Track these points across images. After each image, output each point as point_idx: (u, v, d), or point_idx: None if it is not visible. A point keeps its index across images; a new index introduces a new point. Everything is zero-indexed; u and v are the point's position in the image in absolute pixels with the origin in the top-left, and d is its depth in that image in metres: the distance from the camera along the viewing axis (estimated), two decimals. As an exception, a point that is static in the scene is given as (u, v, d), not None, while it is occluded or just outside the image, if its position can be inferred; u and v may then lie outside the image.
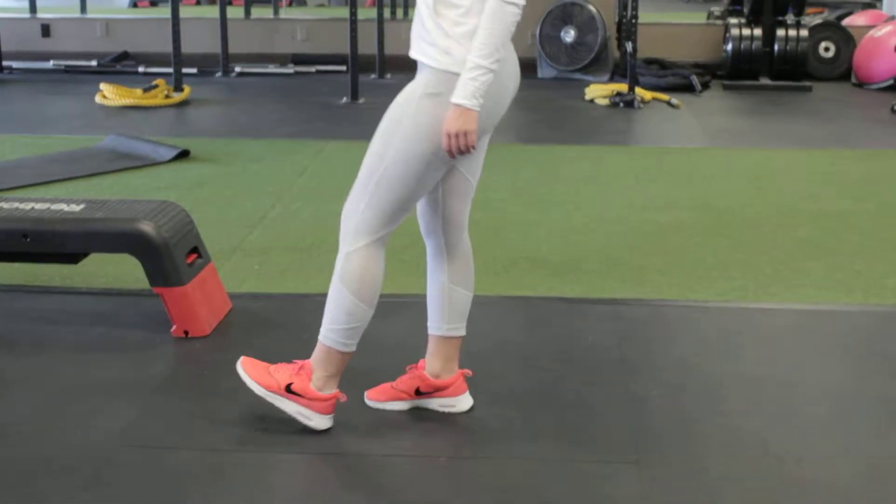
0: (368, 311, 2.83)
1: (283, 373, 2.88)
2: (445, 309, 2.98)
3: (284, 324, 3.80)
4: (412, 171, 2.73)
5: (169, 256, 3.55)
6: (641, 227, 5.03)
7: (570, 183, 5.92)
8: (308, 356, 2.92)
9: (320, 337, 2.87)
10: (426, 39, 2.70)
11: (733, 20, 9.46)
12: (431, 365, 3.02)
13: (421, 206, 2.94)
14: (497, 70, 2.64)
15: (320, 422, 2.87)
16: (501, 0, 2.59)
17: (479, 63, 2.60)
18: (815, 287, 4.26)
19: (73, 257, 3.80)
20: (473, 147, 2.66)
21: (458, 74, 2.63)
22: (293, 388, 2.85)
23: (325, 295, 4.11)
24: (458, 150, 2.65)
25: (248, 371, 2.91)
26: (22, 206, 3.74)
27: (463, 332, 3.03)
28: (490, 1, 2.60)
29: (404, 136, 2.71)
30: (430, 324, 3.02)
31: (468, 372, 3.07)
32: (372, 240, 2.78)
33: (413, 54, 2.76)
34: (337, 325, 2.83)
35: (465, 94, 2.61)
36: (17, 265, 4.15)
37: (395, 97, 2.78)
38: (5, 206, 3.75)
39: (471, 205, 2.98)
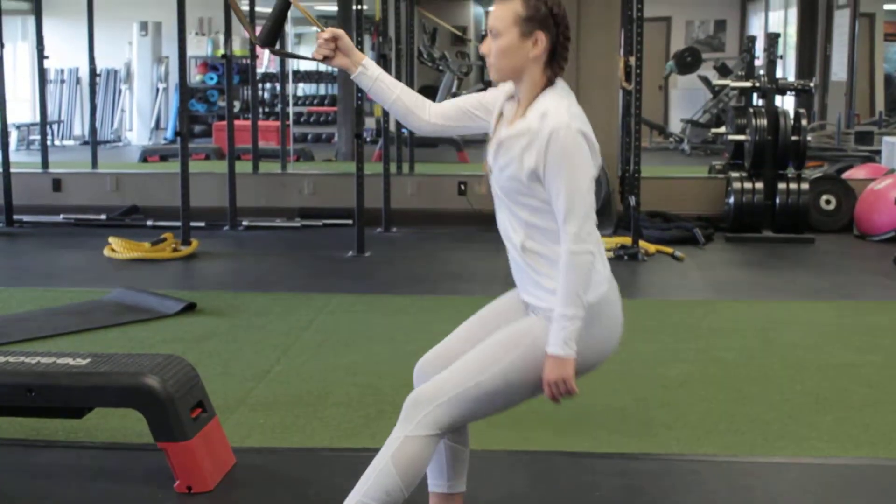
0: (405, 494, 2.81)
1: None
2: (446, 466, 2.97)
3: (289, 479, 3.77)
4: (507, 393, 2.81)
5: (173, 411, 3.54)
6: (647, 381, 5.02)
7: (576, 335, 5.91)
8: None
9: None
10: (531, 282, 2.83)
11: (734, 174, 9.58)
12: (436, 522, 2.99)
13: (423, 366, 2.96)
14: (599, 311, 2.77)
15: None
16: (571, 252, 2.69)
17: (564, 313, 2.70)
18: (824, 440, 4.23)
19: (78, 412, 3.79)
20: (574, 392, 2.76)
21: None
22: None
23: (329, 449, 4.08)
24: (560, 395, 2.76)
25: None
26: (27, 360, 3.74)
27: (463, 489, 3.01)
28: (562, 254, 2.71)
29: (514, 361, 2.78)
30: (430, 481, 2.99)
31: (474, 528, 3.03)
32: (436, 433, 2.79)
33: (524, 297, 2.88)
34: (371, 500, 2.79)
35: (556, 343, 2.71)
36: (20, 419, 4.13)
37: (514, 322, 2.86)
38: (11, 360, 3.75)
39: None
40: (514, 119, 2.83)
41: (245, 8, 11.31)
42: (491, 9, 2.84)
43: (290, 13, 3.08)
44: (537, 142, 2.70)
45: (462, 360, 2.82)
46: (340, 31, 2.94)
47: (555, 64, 2.79)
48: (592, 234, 2.73)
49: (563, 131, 2.68)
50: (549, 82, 2.79)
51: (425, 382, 2.93)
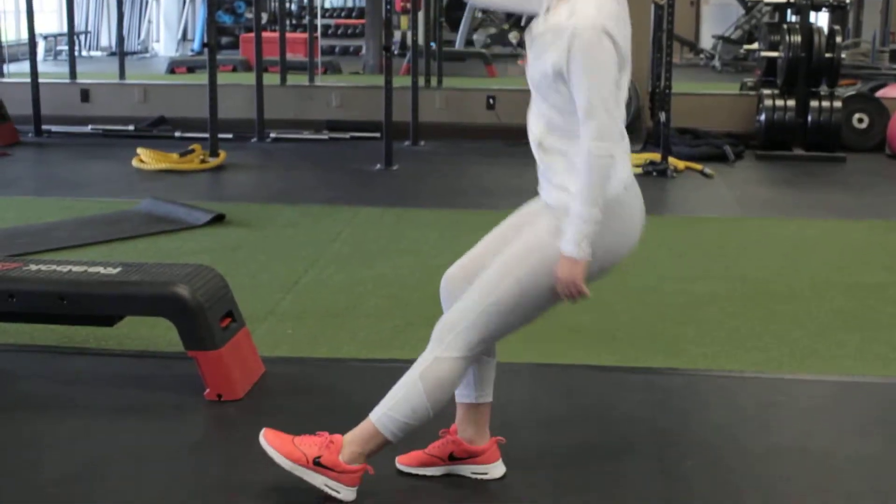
0: (431, 415, 2.83)
1: (309, 446, 2.85)
2: (473, 377, 2.98)
3: (317, 388, 3.80)
4: (527, 302, 2.80)
5: (204, 320, 3.56)
6: (675, 298, 5.01)
7: (603, 251, 5.90)
8: (339, 420, 2.92)
9: (373, 418, 2.85)
10: (546, 180, 2.84)
11: (766, 91, 9.47)
12: (464, 432, 3.01)
13: (448, 280, 2.96)
14: (611, 212, 2.72)
15: (347, 494, 2.84)
16: (591, 154, 2.66)
17: (580, 212, 2.67)
18: (852, 359, 4.22)
19: (109, 320, 3.82)
20: (585, 295, 2.74)
21: None
22: (322, 461, 2.82)
23: (357, 360, 4.11)
24: (569, 297, 2.74)
25: (273, 443, 2.87)
26: (59, 268, 3.77)
27: (491, 398, 3.03)
28: (580, 156, 2.68)
29: (529, 270, 2.77)
30: (458, 392, 3.00)
31: (501, 439, 3.05)
32: (466, 355, 2.81)
33: (542, 196, 2.88)
34: (398, 415, 2.82)
35: (570, 242, 2.69)
36: (52, 326, 4.17)
37: (527, 230, 2.83)
38: (43, 268, 3.78)
39: None
40: (551, 12, 2.78)
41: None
42: None
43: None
44: (561, 39, 2.68)
45: (480, 278, 2.83)
46: None
47: None
48: (613, 136, 2.70)
49: (587, 32, 2.64)
50: None
51: (450, 296, 2.95)
